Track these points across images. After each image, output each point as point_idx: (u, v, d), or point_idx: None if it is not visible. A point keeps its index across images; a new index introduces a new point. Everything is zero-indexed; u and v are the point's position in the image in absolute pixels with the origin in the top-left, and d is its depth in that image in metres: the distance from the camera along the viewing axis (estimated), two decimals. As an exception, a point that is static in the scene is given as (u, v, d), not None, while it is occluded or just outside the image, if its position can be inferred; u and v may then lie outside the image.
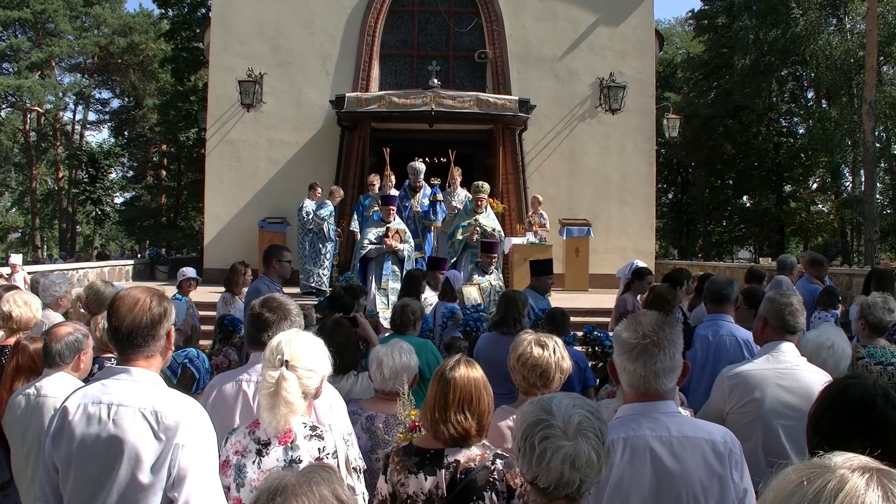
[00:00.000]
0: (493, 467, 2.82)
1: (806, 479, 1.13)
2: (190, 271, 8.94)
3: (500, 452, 2.92)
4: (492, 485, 2.80)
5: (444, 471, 2.84)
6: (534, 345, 3.40)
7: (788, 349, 3.59)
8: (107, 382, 2.51)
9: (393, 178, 12.88)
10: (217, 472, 2.51)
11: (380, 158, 13.61)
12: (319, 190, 13.82)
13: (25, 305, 4.87)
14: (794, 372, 3.49)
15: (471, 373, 2.97)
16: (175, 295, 8.54)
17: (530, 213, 14.30)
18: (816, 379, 3.44)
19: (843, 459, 1.15)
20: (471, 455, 2.87)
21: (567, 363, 3.43)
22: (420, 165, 12.45)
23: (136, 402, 2.43)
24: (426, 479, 2.85)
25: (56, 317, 5.95)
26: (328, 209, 13.28)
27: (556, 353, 3.39)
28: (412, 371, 3.79)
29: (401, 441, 3.13)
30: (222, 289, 12.27)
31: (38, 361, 4.01)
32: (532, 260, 8.23)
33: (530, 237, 13.88)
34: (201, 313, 9.06)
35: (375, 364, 3.84)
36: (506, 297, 5.83)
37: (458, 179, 12.81)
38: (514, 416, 3.12)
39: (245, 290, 8.14)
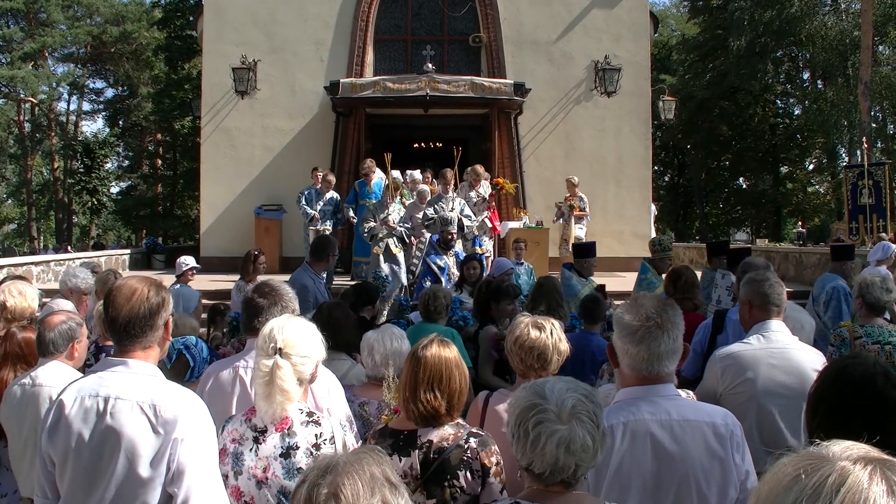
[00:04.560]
0: (466, 446, 2.84)
1: (804, 471, 1.05)
2: (189, 260, 8.92)
3: (474, 431, 2.93)
4: (466, 463, 2.81)
5: (417, 451, 2.85)
6: (531, 327, 3.37)
7: (779, 327, 3.60)
8: (103, 375, 2.48)
9: (400, 182, 11.99)
10: (217, 466, 2.49)
11: (379, 159, 12.89)
12: (321, 174, 13.64)
13: (20, 295, 4.86)
14: (785, 351, 3.50)
15: (443, 352, 2.98)
16: (174, 284, 8.55)
17: (568, 196, 14.04)
18: (809, 358, 3.47)
19: (842, 449, 1.08)
20: (444, 434, 2.88)
21: (564, 345, 3.40)
22: (452, 214, 10.50)
23: (134, 396, 2.39)
24: (400, 460, 2.86)
25: (67, 306, 6.03)
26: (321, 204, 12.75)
27: (553, 335, 3.36)
28: (403, 356, 3.78)
29: (384, 423, 3.14)
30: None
31: (27, 349, 4.01)
32: (575, 244, 8.64)
33: (526, 221, 13.82)
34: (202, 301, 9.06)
35: (367, 349, 3.84)
36: (544, 286, 5.85)
37: (452, 183, 11.96)
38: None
39: (259, 277, 8.12)
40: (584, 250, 8.26)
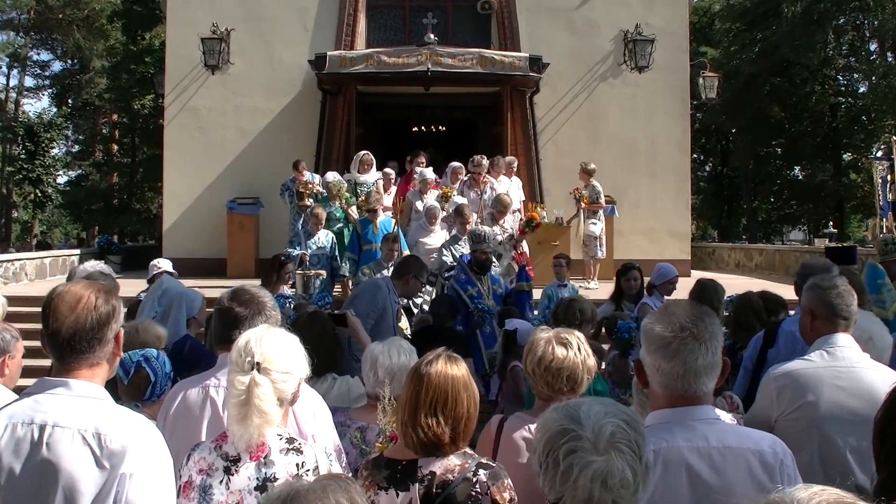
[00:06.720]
0: (474, 479, 2.84)
1: None
2: (162, 263, 8.77)
3: (484, 462, 2.93)
4: (474, 499, 2.81)
5: (417, 485, 2.85)
6: (555, 344, 3.34)
7: (846, 342, 3.54)
8: (40, 398, 2.42)
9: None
10: None
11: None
12: (305, 171, 13.62)
13: None
14: (853, 371, 3.45)
15: (449, 370, 2.97)
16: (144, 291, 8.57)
17: (579, 186, 13.83)
18: (882, 378, 3.39)
19: (809, 496, 1.08)
20: (449, 466, 2.87)
21: (592, 361, 3.40)
22: (487, 230, 9.77)
23: (76, 423, 2.34)
24: (398, 495, 2.86)
25: None
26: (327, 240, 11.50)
27: (581, 351, 3.35)
28: None
29: (378, 451, 3.13)
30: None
31: None
32: (829, 247, 8.20)
33: (544, 217, 13.76)
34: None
35: (369, 364, 3.79)
36: (705, 287, 6.45)
37: (472, 219, 10.89)
38: (533, 426, 3.09)
39: (283, 287, 8.45)
40: (846, 255, 7.68)
